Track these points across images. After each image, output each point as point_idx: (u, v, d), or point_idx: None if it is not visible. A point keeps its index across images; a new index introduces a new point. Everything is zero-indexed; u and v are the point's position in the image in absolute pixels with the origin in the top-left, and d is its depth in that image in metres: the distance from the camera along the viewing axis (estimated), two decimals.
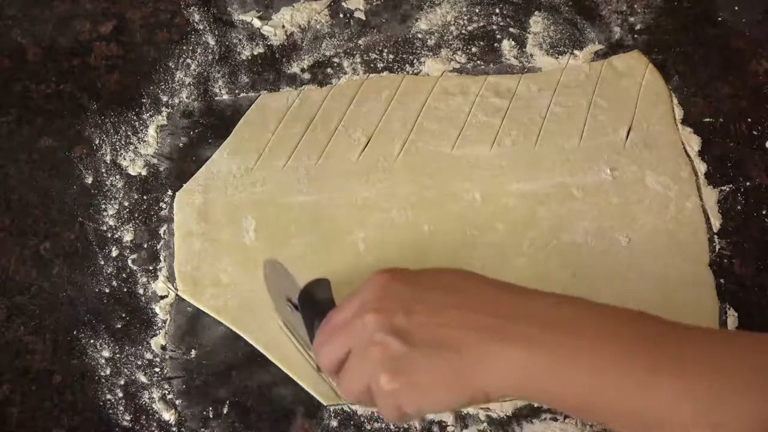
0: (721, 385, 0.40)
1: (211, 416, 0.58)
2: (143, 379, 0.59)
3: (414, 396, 0.44)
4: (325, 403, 0.58)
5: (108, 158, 0.67)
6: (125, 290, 0.62)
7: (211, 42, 0.72)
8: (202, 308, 0.61)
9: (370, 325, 0.46)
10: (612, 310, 0.45)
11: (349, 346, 0.47)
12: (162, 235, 0.64)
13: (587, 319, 0.44)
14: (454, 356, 0.43)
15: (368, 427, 0.57)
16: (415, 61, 0.71)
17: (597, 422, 0.46)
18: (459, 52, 0.71)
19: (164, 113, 0.69)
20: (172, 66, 0.71)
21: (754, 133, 0.66)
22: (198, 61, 0.71)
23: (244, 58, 0.71)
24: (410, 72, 0.70)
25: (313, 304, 0.53)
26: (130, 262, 0.63)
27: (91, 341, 0.61)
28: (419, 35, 0.72)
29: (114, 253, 0.64)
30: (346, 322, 0.48)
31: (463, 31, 0.72)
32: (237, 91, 0.70)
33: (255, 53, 0.72)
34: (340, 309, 0.50)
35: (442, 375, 0.43)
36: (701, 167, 0.65)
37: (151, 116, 0.69)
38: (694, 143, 0.65)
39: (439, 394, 0.44)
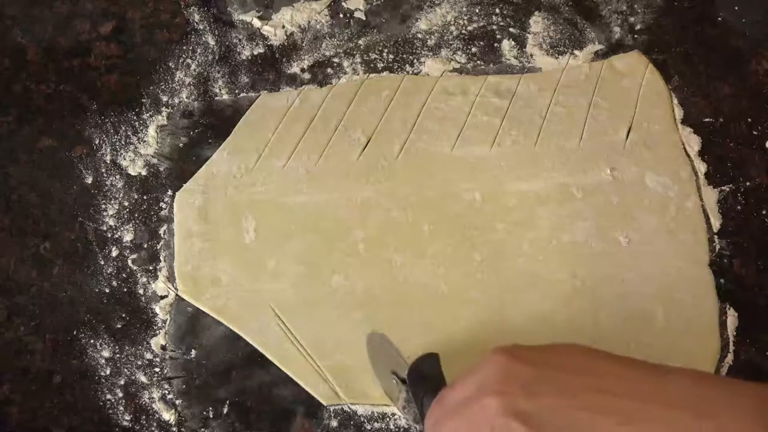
0: None
1: (211, 416, 0.58)
2: (143, 379, 0.59)
3: None
4: (325, 403, 0.58)
5: (108, 158, 0.67)
6: (125, 290, 0.62)
7: (211, 42, 0.72)
8: (202, 308, 0.61)
9: (491, 409, 0.43)
10: (750, 389, 0.42)
11: (469, 431, 0.44)
12: (162, 235, 0.64)
13: (718, 398, 0.41)
14: None
15: (368, 427, 0.57)
16: (415, 61, 0.71)
17: None
18: (459, 52, 0.71)
19: (164, 113, 0.69)
20: (172, 66, 0.71)
21: (754, 133, 0.66)
22: (198, 61, 0.71)
23: (244, 58, 0.71)
24: (410, 72, 0.70)
25: (423, 380, 0.51)
26: (130, 262, 0.63)
27: (91, 341, 0.61)
28: (419, 35, 0.72)
29: (114, 253, 0.64)
30: (462, 403, 0.45)
31: (463, 31, 0.72)
32: (237, 91, 0.70)
33: (255, 53, 0.72)
34: (454, 387, 0.47)
35: None
36: (701, 167, 0.65)
37: (151, 116, 0.69)
38: (694, 143, 0.65)
39: None
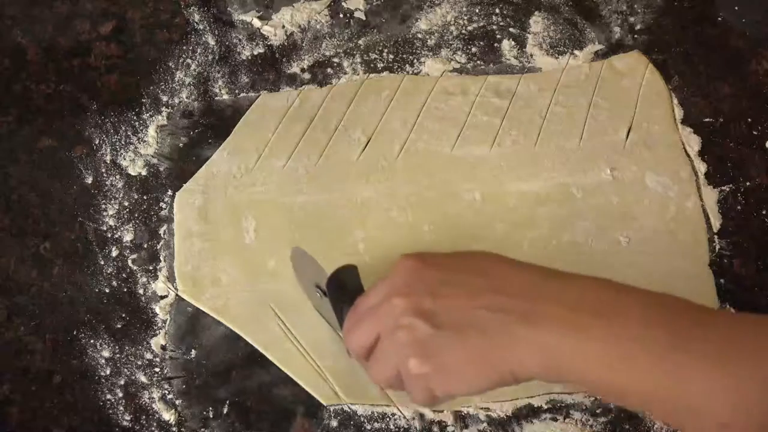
0: (765, 376, 0.38)
1: (211, 416, 0.58)
2: (143, 379, 0.59)
3: (443, 379, 0.44)
4: (325, 403, 0.58)
5: (108, 158, 0.67)
6: (125, 290, 0.62)
7: (211, 42, 0.72)
8: (202, 308, 0.61)
9: (397, 308, 0.45)
10: (642, 294, 0.44)
11: (377, 331, 0.47)
12: (162, 235, 0.64)
13: (617, 302, 0.43)
14: (483, 339, 0.43)
15: (368, 427, 0.57)
16: (415, 61, 0.71)
17: (627, 406, 0.45)
18: (459, 52, 0.71)
19: (164, 113, 0.69)
20: (172, 66, 0.71)
21: (754, 133, 0.66)
22: (198, 61, 0.71)
23: (244, 58, 0.71)
24: (410, 72, 0.70)
25: (342, 291, 0.53)
26: (130, 262, 0.63)
27: (91, 341, 0.61)
28: (419, 35, 0.72)
29: (114, 253, 0.64)
30: (374, 306, 0.47)
31: (463, 31, 0.72)
32: (237, 91, 0.70)
33: (255, 53, 0.72)
34: (368, 294, 0.50)
35: (470, 357, 0.43)
36: (701, 167, 0.65)
37: (151, 116, 0.69)
38: (694, 143, 0.65)
39: (468, 377, 0.44)
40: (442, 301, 0.45)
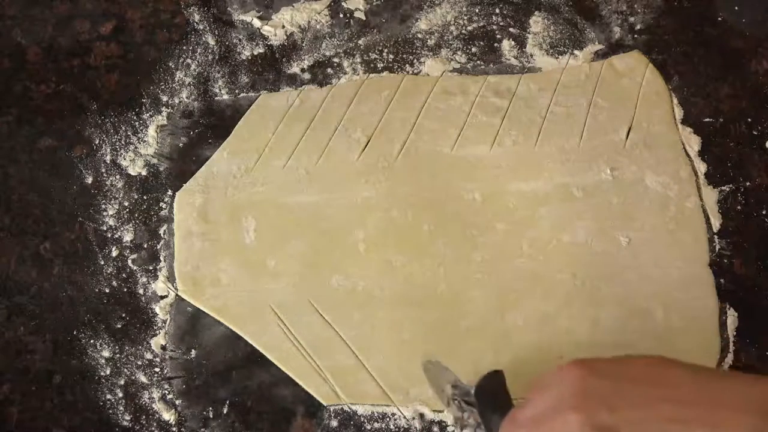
0: None
1: (211, 416, 0.58)
2: (143, 379, 0.59)
3: None
4: (325, 403, 0.58)
5: (108, 158, 0.67)
6: (125, 290, 0.62)
7: (211, 42, 0.72)
8: (202, 308, 0.61)
9: (572, 424, 0.42)
10: None
11: None
12: (162, 235, 0.64)
13: None
14: None
15: (368, 427, 0.57)
16: (415, 61, 0.71)
17: None
18: (459, 52, 0.71)
19: (164, 113, 0.69)
20: (172, 66, 0.71)
21: (754, 133, 0.66)
22: (198, 61, 0.71)
23: (244, 58, 0.71)
24: (410, 72, 0.70)
25: (491, 399, 0.51)
26: (130, 262, 0.63)
27: (91, 341, 0.61)
28: (419, 35, 0.72)
29: (114, 253, 0.64)
30: (538, 420, 0.45)
31: (463, 31, 0.72)
32: (237, 91, 0.70)
33: (255, 53, 0.72)
34: (529, 405, 0.46)
35: None
36: (701, 167, 0.65)
37: (151, 116, 0.69)
38: (694, 143, 0.65)
39: None
40: (618, 414, 0.42)
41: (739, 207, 0.64)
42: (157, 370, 0.60)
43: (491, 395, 0.50)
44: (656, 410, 0.42)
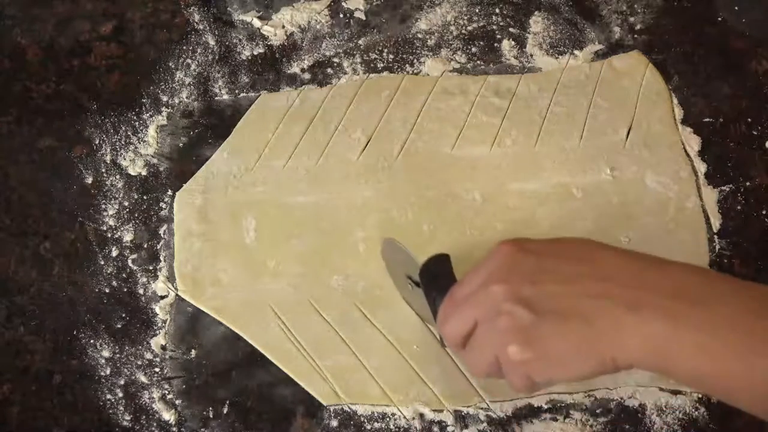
0: None
1: (211, 416, 0.58)
2: (143, 379, 0.59)
3: (544, 366, 0.44)
4: (325, 403, 0.58)
5: (108, 158, 0.67)
6: (125, 290, 0.62)
7: (211, 42, 0.72)
8: (202, 308, 0.61)
9: (497, 295, 0.45)
10: (739, 282, 0.43)
11: (475, 318, 0.46)
12: (162, 235, 0.64)
13: (714, 290, 0.43)
14: (586, 326, 0.42)
15: (368, 427, 0.57)
16: (415, 61, 0.71)
17: (731, 401, 0.43)
18: (459, 52, 0.71)
19: (164, 113, 0.69)
20: (172, 66, 0.71)
21: (754, 133, 0.66)
22: (198, 61, 0.71)
23: (244, 58, 0.71)
24: (410, 72, 0.70)
25: (434, 280, 0.52)
26: (130, 262, 0.63)
27: (91, 341, 0.61)
28: (419, 35, 0.72)
29: (114, 253, 0.64)
30: (471, 294, 0.47)
31: (463, 31, 0.72)
32: (237, 91, 0.70)
33: (255, 53, 0.72)
34: (463, 282, 0.49)
35: (573, 344, 0.43)
36: (701, 167, 0.65)
37: (151, 116, 0.69)
38: (694, 143, 0.65)
39: (570, 364, 0.43)
40: (542, 287, 0.44)
41: (739, 207, 0.64)
42: (157, 370, 0.60)
43: (435, 276, 0.52)
44: (578, 285, 0.44)
